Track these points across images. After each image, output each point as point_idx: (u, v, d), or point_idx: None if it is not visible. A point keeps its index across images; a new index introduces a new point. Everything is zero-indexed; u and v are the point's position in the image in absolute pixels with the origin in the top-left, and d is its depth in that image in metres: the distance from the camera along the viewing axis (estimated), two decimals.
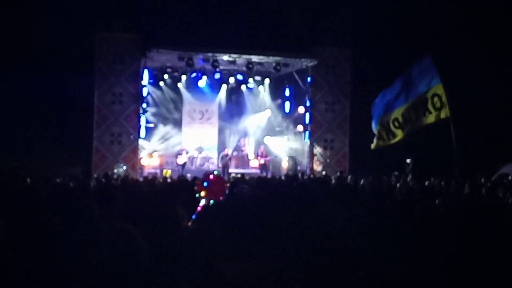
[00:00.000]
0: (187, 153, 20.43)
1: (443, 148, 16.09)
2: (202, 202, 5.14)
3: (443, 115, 10.60)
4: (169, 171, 17.90)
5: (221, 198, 5.18)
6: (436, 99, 10.70)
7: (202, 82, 20.89)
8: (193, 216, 4.94)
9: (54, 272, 3.14)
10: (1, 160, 14.92)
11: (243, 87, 22.42)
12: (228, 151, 20.92)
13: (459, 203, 6.77)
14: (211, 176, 5.42)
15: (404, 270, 3.03)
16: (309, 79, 19.85)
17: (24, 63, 16.66)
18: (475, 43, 17.16)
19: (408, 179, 12.84)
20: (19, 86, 16.80)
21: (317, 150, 19.95)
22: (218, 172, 5.76)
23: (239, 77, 20.96)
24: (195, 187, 5.27)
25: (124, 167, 17.43)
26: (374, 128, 12.40)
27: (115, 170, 16.92)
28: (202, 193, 5.17)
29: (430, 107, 10.84)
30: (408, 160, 16.38)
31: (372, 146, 12.61)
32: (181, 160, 19.82)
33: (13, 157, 15.68)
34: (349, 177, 13.21)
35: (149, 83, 19.33)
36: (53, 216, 4.41)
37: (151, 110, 19.92)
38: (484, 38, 17.07)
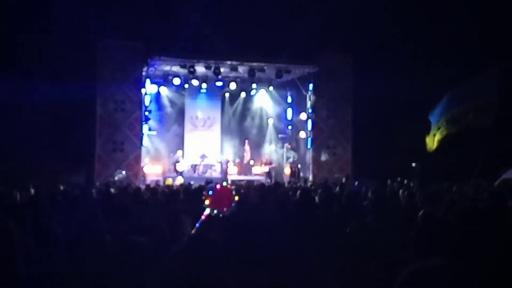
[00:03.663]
0: (184, 159, 20.49)
1: (447, 153, 16.07)
2: (207, 211, 5.10)
3: (488, 122, 10.83)
4: (170, 180, 17.83)
5: (225, 209, 5.13)
6: (489, 105, 10.91)
7: (204, 89, 20.96)
8: (197, 225, 4.92)
9: (57, 276, 3.13)
10: (3, 169, 14.92)
11: (245, 94, 22.46)
12: (227, 158, 21.00)
13: (463, 209, 6.73)
14: (218, 186, 5.38)
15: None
16: (311, 85, 19.87)
17: (26, 71, 16.69)
18: (472, 47, 17.13)
19: (413, 185, 12.79)
20: (21, 95, 16.82)
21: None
22: (227, 183, 5.69)
23: (241, 84, 20.99)
24: (203, 194, 5.24)
25: (124, 173, 17.43)
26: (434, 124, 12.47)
27: (116, 177, 16.93)
28: (207, 202, 5.13)
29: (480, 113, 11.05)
30: (413, 164, 16.33)
31: (433, 146, 12.60)
32: (180, 167, 19.82)
33: (16, 166, 15.68)
34: (353, 183, 13.20)
35: (151, 90, 19.38)
36: (56, 223, 4.41)
37: (153, 117, 19.93)
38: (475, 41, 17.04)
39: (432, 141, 12.17)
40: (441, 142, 11.95)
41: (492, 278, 2.81)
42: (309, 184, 15.07)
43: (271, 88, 21.75)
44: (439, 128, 11.95)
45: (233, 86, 21.16)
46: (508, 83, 12.02)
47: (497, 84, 11.11)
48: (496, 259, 3.39)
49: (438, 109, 12.21)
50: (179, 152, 20.71)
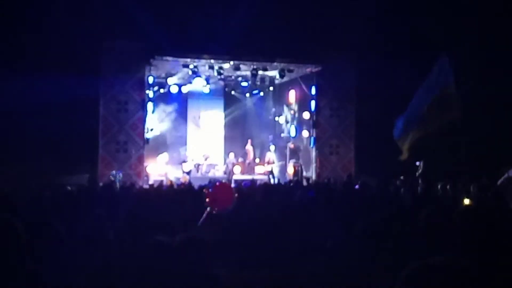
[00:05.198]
0: (192, 160, 20.55)
1: (452, 151, 16.04)
2: (208, 209, 5.12)
3: (454, 115, 10.72)
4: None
5: (225, 207, 5.12)
6: (449, 98, 10.82)
7: (207, 89, 20.97)
8: (198, 223, 4.94)
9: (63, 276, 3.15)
10: (6, 169, 14.96)
11: (248, 93, 22.49)
12: (233, 156, 21.06)
13: (466, 208, 6.73)
14: (217, 183, 5.39)
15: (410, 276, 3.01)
16: (314, 84, 19.87)
17: (28, 71, 16.71)
18: (472, 45, 17.06)
19: (418, 183, 12.77)
20: (24, 95, 16.86)
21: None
22: (225, 181, 5.73)
23: (244, 83, 21.00)
24: (204, 193, 5.26)
25: (121, 175, 17.33)
26: (398, 137, 12.39)
27: (116, 179, 16.88)
28: (207, 200, 5.15)
29: (442, 108, 10.94)
30: (417, 163, 16.27)
31: (403, 156, 12.52)
32: (186, 167, 19.88)
33: (19, 166, 15.72)
34: (355, 183, 13.20)
35: (154, 91, 19.40)
36: (60, 223, 4.43)
37: (156, 117, 19.96)
38: (486, 40, 16.97)
39: (404, 149, 12.10)
40: (413, 148, 11.86)
41: (496, 276, 2.81)
42: (311, 183, 15.07)
43: (273, 87, 21.77)
44: (408, 135, 11.86)
45: (236, 85, 21.20)
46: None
47: (452, 73, 11.02)
48: (499, 257, 3.39)
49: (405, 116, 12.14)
50: (187, 153, 20.86)
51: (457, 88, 10.80)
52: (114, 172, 17.22)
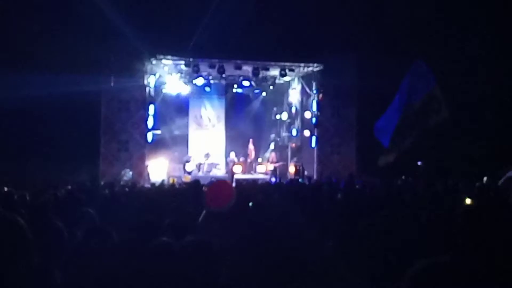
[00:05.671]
0: (194, 160, 20.57)
1: (452, 151, 16.03)
2: (207, 207, 5.11)
3: (442, 117, 10.69)
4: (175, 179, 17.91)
5: (224, 205, 5.10)
6: (434, 101, 10.79)
7: (208, 88, 20.96)
8: (199, 221, 4.93)
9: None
10: (8, 168, 14.96)
11: (249, 92, 22.47)
12: (234, 155, 21.06)
13: (467, 207, 6.71)
14: (215, 181, 5.38)
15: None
16: (315, 84, 19.85)
17: (29, 71, 16.70)
18: (476, 43, 17.04)
19: (418, 183, 12.75)
20: (25, 95, 16.86)
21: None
22: (225, 179, 5.71)
23: (245, 82, 20.99)
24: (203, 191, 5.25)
25: (130, 173, 17.46)
26: (386, 144, 12.33)
27: (125, 177, 16.96)
28: (206, 197, 5.14)
29: (429, 110, 10.91)
30: (419, 163, 16.26)
31: (382, 162, 12.46)
32: (189, 167, 19.90)
33: (21, 166, 15.72)
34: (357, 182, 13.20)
35: (155, 90, 19.40)
36: (61, 223, 4.43)
37: (157, 116, 19.96)
38: (486, 37, 16.95)
39: (388, 157, 11.98)
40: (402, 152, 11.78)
41: (499, 275, 2.81)
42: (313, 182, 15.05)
43: (274, 87, 21.76)
44: (395, 143, 11.78)
45: (237, 84, 21.19)
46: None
47: (433, 75, 11.00)
48: (503, 256, 3.39)
49: (387, 123, 12.07)
50: (190, 152, 20.95)
51: (442, 89, 10.82)
52: (127, 170, 17.34)
